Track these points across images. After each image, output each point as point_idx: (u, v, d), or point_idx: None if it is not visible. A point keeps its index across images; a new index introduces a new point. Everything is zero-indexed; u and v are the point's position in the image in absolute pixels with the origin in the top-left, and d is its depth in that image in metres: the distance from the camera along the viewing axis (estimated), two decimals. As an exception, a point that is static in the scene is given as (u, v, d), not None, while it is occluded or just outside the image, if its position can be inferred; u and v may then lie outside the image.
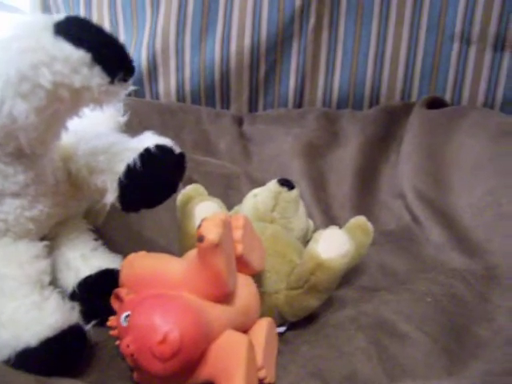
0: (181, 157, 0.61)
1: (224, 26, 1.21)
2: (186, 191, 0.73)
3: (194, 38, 1.23)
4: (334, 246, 0.61)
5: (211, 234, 0.50)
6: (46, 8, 1.29)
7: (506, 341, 0.60)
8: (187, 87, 1.25)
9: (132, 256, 0.58)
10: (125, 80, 0.51)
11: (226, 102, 1.27)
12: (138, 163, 0.57)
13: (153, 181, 0.58)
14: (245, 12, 1.20)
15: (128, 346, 0.48)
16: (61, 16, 0.50)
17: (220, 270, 0.51)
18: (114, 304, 0.56)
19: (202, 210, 0.67)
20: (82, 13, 1.27)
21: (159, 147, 0.58)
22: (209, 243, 0.50)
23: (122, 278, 0.57)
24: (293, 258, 0.66)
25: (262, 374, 0.54)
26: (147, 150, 0.58)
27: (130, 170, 0.57)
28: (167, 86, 1.26)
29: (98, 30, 0.51)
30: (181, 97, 1.26)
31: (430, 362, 0.56)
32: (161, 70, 1.26)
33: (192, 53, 1.24)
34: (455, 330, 0.62)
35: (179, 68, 1.25)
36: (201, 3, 1.21)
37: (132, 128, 0.77)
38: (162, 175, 0.59)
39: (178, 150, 0.60)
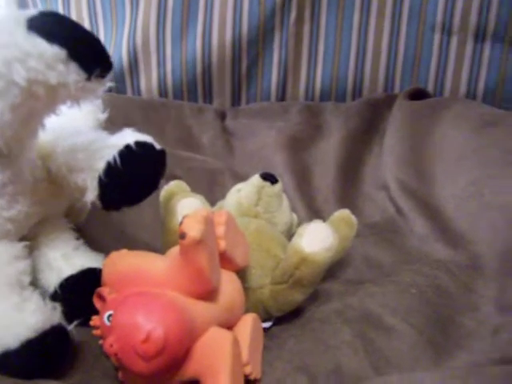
0: (161, 153, 0.60)
1: (205, 19, 1.20)
2: (168, 187, 0.73)
3: (174, 32, 1.21)
4: (318, 240, 0.61)
5: (193, 230, 0.49)
6: (22, 2, 1.26)
7: (490, 331, 0.61)
8: (169, 82, 1.24)
9: (114, 254, 0.57)
10: (102, 76, 0.50)
11: (208, 97, 1.26)
12: (118, 160, 0.56)
13: (133, 178, 0.58)
14: (226, 5, 1.19)
15: (111, 346, 0.48)
16: (34, 11, 0.49)
17: (203, 267, 0.51)
18: (97, 303, 0.55)
19: (185, 206, 0.66)
20: (60, 7, 1.24)
21: (139, 144, 0.58)
22: (191, 240, 0.49)
23: (104, 276, 0.56)
24: (277, 253, 0.65)
25: (247, 370, 0.54)
26: (127, 147, 0.57)
27: (110, 168, 0.56)
28: (149, 81, 1.25)
29: (73, 25, 0.49)
30: (163, 92, 1.25)
31: (416, 354, 0.56)
32: (142, 65, 1.24)
33: (173, 47, 1.22)
34: (440, 321, 0.62)
35: (160, 63, 1.23)
36: (181, -3, 1.20)
37: (114, 124, 0.76)
38: (143, 172, 0.58)
39: (158, 146, 0.59)
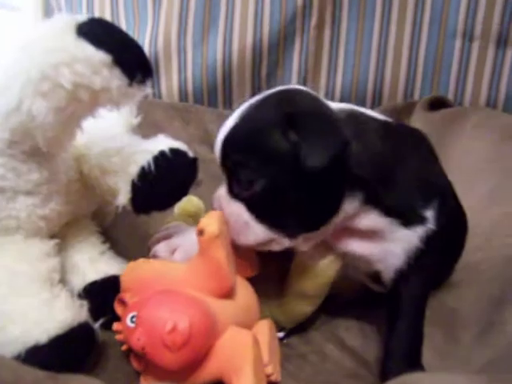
0: (194, 161, 0.62)
1: (226, 25, 1.22)
2: (181, 204, 0.74)
3: (195, 37, 1.23)
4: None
5: (211, 226, 0.52)
6: (47, 7, 1.29)
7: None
8: (189, 86, 1.25)
9: (133, 263, 0.59)
10: (143, 82, 0.52)
11: (228, 101, 1.27)
12: (152, 166, 0.58)
13: (165, 184, 0.59)
14: (246, 11, 1.20)
15: (139, 340, 0.49)
16: (83, 17, 0.51)
17: (221, 263, 0.53)
18: (118, 309, 0.57)
19: None
20: (83, 11, 1.26)
21: (173, 151, 0.60)
22: (209, 235, 0.52)
23: (125, 283, 0.58)
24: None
25: (268, 369, 0.55)
26: (162, 153, 0.59)
27: (144, 173, 0.58)
28: (169, 85, 1.26)
29: (119, 33, 0.52)
30: (183, 96, 1.26)
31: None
32: (163, 69, 1.26)
33: (194, 52, 1.24)
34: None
35: (181, 67, 1.25)
36: (202, 2, 1.21)
37: (140, 127, 0.77)
38: (175, 179, 0.60)
39: (191, 154, 0.62)
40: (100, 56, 0.49)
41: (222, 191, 0.57)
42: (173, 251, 0.62)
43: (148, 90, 0.54)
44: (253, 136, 0.54)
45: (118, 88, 0.50)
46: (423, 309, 0.59)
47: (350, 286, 0.68)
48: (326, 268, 0.61)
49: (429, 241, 0.57)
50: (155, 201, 0.61)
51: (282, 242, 0.56)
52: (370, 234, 0.58)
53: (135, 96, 0.53)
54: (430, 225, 0.57)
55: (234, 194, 0.56)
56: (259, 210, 0.55)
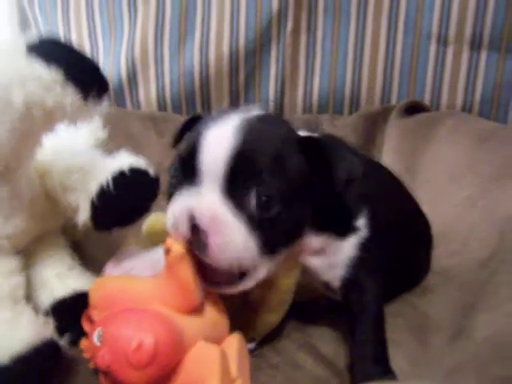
0: (155, 181, 0.61)
1: (202, 33, 1.22)
2: (148, 222, 0.71)
3: (172, 45, 1.23)
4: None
5: (177, 245, 0.52)
6: (23, 19, 1.28)
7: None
8: (167, 95, 1.25)
9: (100, 279, 0.59)
10: (99, 97, 0.52)
11: (207, 109, 1.27)
12: (111, 185, 0.58)
13: (125, 203, 0.59)
14: (222, 18, 1.20)
15: (104, 358, 0.48)
16: (32, 36, 0.51)
17: (188, 280, 0.52)
18: (85, 326, 0.56)
19: None
20: (59, 23, 1.26)
21: (133, 170, 0.59)
22: (176, 253, 0.51)
23: (92, 300, 0.57)
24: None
25: None
26: (121, 173, 0.58)
27: (103, 191, 0.58)
28: (147, 94, 1.26)
29: (70, 49, 0.51)
30: (162, 104, 1.26)
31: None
32: (140, 78, 1.25)
33: (171, 61, 1.24)
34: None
35: (159, 76, 1.25)
36: (178, 11, 1.21)
37: (112, 139, 0.77)
38: (135, 198, 0.60)
39: (152, 173, 0.61)
40: (51, 73, 0.48)
41: (217, 211, 0.50)
42: None
43: (105, 105, 0.54)
44: (276, 156, 0.51)
45: (72, 104, 0.50)
46: (379, 312, 0.60)
47: (319, 293, 0.67)
48: (284, 278, 0.60)
49: (364, 247, 0.59)
50: (115, 219, 0.60)
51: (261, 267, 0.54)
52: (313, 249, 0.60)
53: (92, 112, 0.53)
54: (362, 232, 0.59)
55: (244, 213, 0.50)
56: (265, 232, 0.50)
